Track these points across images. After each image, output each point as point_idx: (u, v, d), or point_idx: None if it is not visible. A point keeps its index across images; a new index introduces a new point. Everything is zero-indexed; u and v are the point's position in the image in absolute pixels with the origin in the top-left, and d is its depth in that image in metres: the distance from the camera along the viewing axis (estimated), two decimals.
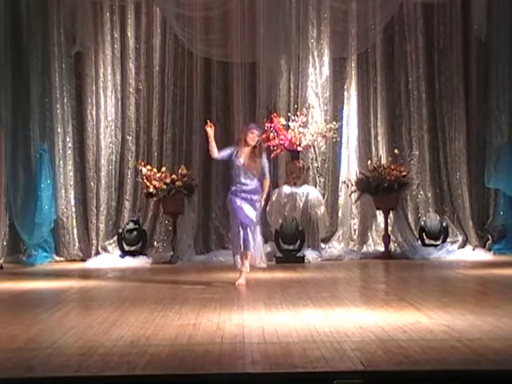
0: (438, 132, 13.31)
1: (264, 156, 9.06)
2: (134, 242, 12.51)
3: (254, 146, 8.94)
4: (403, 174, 12.49)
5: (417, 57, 13.22)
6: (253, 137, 8.96)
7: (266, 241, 12.58)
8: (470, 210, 13.05)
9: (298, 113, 12.67)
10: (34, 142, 12.73)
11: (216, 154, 9.01)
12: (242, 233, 8.81)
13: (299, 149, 12.55)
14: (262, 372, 4.61)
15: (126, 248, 12.48)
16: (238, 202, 8.88)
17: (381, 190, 12.32)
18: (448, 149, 13.23)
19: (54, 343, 5.51)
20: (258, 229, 9.36)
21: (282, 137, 12.37)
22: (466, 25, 13.16)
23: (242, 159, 8.91)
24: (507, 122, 12.97)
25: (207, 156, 13.13)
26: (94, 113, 13.09)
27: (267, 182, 9.09)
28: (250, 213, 8.87)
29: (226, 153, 9.03)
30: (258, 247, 9.47)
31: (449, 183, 13.22)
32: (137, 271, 11.15)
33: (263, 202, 9.28)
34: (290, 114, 12.74)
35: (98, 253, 12.72)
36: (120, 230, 12.64)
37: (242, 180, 8.90)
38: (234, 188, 8.97)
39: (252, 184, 8.92)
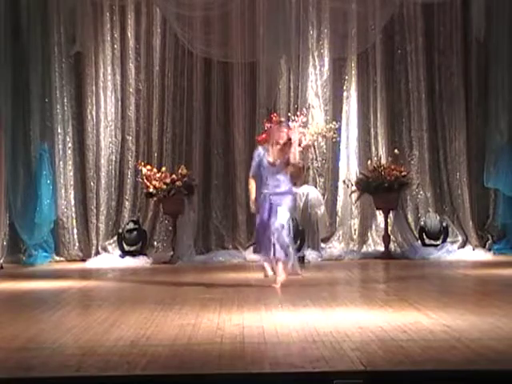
0: (437, 132, 13.30)
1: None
2: (134, 241, 12.50)
3: (284, 144, 8.63)
4: (403, 174, 12.48)
5: (417, 57, 13.21)
6: (281, 135, 8.65)
7: None
8: (469, 209, 13.05)
9: (298, 113, 12.65)
10: (34, 142, 12.73)
11: (253, 181, 8.65)
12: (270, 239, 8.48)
13: (299, 149, 12.52)
14: (262, 372, 4.61)
15: (126, 248, 12.47)
16: (267, 205, 8.51)
17: (381, 189, 12.32)
18: (448, 149, 13.23)
19: (54, 343, 5.51)
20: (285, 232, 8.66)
21: None
22: (466, 25, 13.15)
23: (270, 158, 8.59)
24: (507, 123, 12.96)
25: (207, 156, 13.26)
26: (94, 113, 13.08)
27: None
28: (280, 217, 8.47)
29: (255, 163, 8.66)
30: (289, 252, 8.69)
31: (449, 183, 13.21)
32: (137, 271, 11.15)
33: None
34: (289, 114, 12.73)
35: (97, 253, 12.72)
36: (120, 230, 12.64)
37: (271, 182, 8.55)
38: (264, 191, 8.57)
39: (282, 185, 8.56)
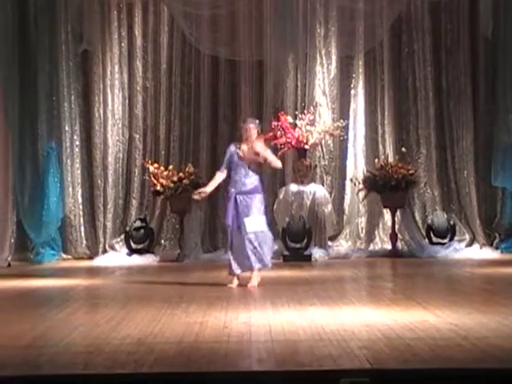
0: (445, 130, 13.28)
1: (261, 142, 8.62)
2: (141, 240, 12.52)
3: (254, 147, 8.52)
4: (410, 172, 12.47)
5: (424, 55, 13.19)
6: (252, 131, 8.58)
7: (273, 239, 12.57)
8: (477, 208, 13.02)
9: (306, 111, 12.66)
10: (42, 141, 12.75)
11: (222, 174, 8.62)
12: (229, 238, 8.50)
13: (306, 147, 12.54)
14: (269, 370, 4.61)
15: (133, 246, 12.49)
16: (231, 207, 8.44)
17: (388, 188, 12.31)
18: (455, 147, 13.20)
19: (61, 341, 5.52)
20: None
21: (289, 135, 12.37)
22: (473, 23, 13.12)
23: (240, 152, 8.52)
24: None
25: (214, 154, 13.26)
26: (101, 111, 13.11)
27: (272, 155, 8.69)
28: (253, 224, 8.38)
29: (226, 158, 8.62)
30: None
31: (456, 182, 13.19)
32: (144, 269, 11.16)
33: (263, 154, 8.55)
34: (297, 112, 12.73)
35: (105, 251, 12.75)
36: (127, 228, 12.66)
37: (238, 177, 8.47)
38: (231, 189, 8.51)
39: (249, 181, 8.46)
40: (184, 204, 12.33)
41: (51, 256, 12.49)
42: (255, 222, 8.45)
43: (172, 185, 12.19)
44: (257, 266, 8.50)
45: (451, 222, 12.71)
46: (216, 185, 8.84)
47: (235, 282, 8.53)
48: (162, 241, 13.01)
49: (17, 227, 12.55)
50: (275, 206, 12.52)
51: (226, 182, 8.81)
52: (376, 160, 12.77)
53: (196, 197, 9.06)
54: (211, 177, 12.87)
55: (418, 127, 13.24)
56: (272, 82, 13.05)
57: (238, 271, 8.54)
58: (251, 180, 8.53)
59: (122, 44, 13.19)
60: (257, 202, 8.50)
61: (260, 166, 9.01)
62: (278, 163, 8.82)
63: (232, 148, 8.68)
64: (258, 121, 9.02)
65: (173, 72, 13.17)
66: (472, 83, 13.18)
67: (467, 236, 12.88)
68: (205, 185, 12.49)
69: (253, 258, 8.43)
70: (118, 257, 12.35)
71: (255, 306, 7.05)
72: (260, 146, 8.57)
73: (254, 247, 8.42)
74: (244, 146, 8.59)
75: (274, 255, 12.01)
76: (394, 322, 5.97)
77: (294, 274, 10.05)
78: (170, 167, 12.47)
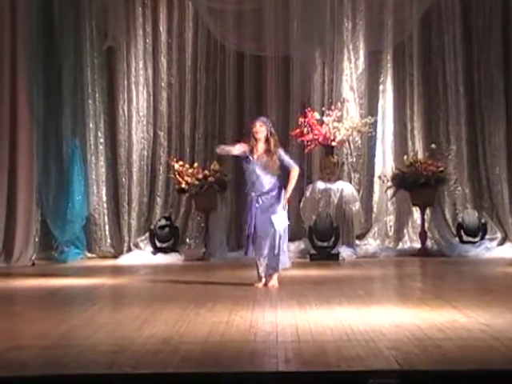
0: (476, 126, 13.17)
1: (279, 147, 8.38)
2: (166, 238, 12.56)
3: (267, 140, 8.32)
4: (440, 169, 12.40)
5: (455, 48, 13.09)
6: (256, 130, 8.30)
7: (299, 238, 12.58)
8: (509, 206, 12.92)
9: (333, 107, 12.63)
10: (66, 138, 12.84)
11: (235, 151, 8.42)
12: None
13: (333, 144, 12.51)
14: (296, 371, 4.61)
15: (158, 245, 12.54)
16: (254, 210, 8.30)
17: (417, 185, 12.25)
18: (487, 143, 13.09)
19: (86, 340, 5.55)
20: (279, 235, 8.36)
21: (316, 132, 12.35)
22: (506, 14, 12.99)
23: (255, 155, 8.27)
24: None
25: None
26: (125, 108, 13.17)
27: (296, 171, 8.41)
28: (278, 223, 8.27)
29: (241, 150, 8.37)
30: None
31: (488, 179, 13.09)
32: (169, 268, 11.20)
33: (286, 202, 8.36)
34: (324, 109, 12.70)
35: (129, 249, 12.82)
36: (152, 227, 12.71)
37: (259, 180, 8.27)
38: (251, 193, 8.32)
39: (268, 182, 8.27)
40: (209, 202, 12.36)
41: (75, 255, 12.58)
42: (281, 219, 8.35)
43: (197, 182, 12.22)
44: (283, 266, 8.47)
45: (482, 220, 12.63)
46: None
47: (262, 280, 8.53)
48: (187, 239, 13.05)
49: (41, 226, 12.64)
50: (302, 204, 12.51)
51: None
52: (405, 157, 12.70)
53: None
54: (237, 174, 13.03)
55: (448, 123, 13.16)
56: (299, 78, 13.04)
57: (263, 274, 8.50)
58: (268, 179, 8.33)
59: (147, 40, 13.24)
60: (280, 198, 8.33)
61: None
62: (296, 172, 8.46)
63: (245, 148, 8.39)
64: (267, 119, 8.71)
65: (198, 68, 13.20)
66: (505, 77, 13.05)
67: (499, 234, 12.79)
68: (230, 182, 12.66)
69: (280, 258, 8.38)
70: (142, 255, 12.40)
71: (281, 306, 7.05)
72: (280, 157, 8.32)
73: (279, 247, 8.34)
74: (259, 147, 8.31)
75: (300, 254, 12.12)
76: (424, 322, 5.95)
77: (320, 273, 10.02)
78: (195, 165, 12.50)
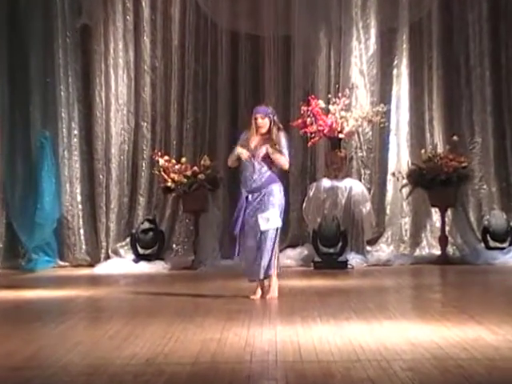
0: (504, 115, 13.22)
1: (282, 133, 8.55)
2: (150, 244, 12.59)
3: (268, 131, 8.48)
4: (463, 164, 12.44)
5: (480, 28, 13.13)
6: (259, 124, 8.49)
7: (302, 243, 12.61)
8: None
9: (340, 94, 12.66)
10: (34, 129, 12.86)
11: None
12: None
13: (341, 136, 12.54)
14: None
15: (141, 251, 12.57)
16: (244, 207, 8.42)
17: (437, 183, 12.29)
18: None
19: (58, 361, 5.57)
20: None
21: (320, 122, 12.37)
22: None
23: (252, 144, 8.47)
24: None
25: (234, 145, 13.27)
26: (103, 95, 13.19)
27: (285, 164, 8.48)
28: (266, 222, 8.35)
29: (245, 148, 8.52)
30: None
31: None
32: (153, 278, 11.22)
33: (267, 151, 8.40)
34: (330, 96, 12.73)
35: (108, 257, 12.85)
36: (133, 231, 12.74)
37: (251, 175, 8.41)
38: (242, 190, 8.50)
39: (261, 176, 8.39)
40: (199, 202, 12.39)
41: (46, 263, 12.59)
42: (271, 219, 8.38)
43: (185, 180, 12.25)
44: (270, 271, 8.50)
45: (511, 223, 12.67)
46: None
47: (259, 292, 8.55)
48: (174, 245, 13.08)
49: (6, 230, 12.66)
50: (305, 205, 12.54)
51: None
52: (423, 151, 12.75)
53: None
54: (230, 171, 13.06)
55: (472, 112, 13.20)
56: (301, 61, 13.08)
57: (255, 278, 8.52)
58: (261, 174, 8.44)
59: (127, 17, 13.26)
60: (274, 194, 8.42)
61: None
62: (285, 164, 8.56)
63: (243, 137, 8.63)
64: (270, 109, 8.79)
65: (186, 49, 13.22)
66: None
67: None
68: (223, 180, 12.69)
69: (262, 264, 8.39)
70: (122, 264, 12.43)
71: (282, 321, 7.07)
72: (279, 140, 8.46)
73: (263, 251, 8.36)
74: (253, 140, 8.49)
75: (303, 262, 12.15)
76: (444, 340, 5.97)
77: (326, 284, 10.05)
78: (183, 160, 12.52)
